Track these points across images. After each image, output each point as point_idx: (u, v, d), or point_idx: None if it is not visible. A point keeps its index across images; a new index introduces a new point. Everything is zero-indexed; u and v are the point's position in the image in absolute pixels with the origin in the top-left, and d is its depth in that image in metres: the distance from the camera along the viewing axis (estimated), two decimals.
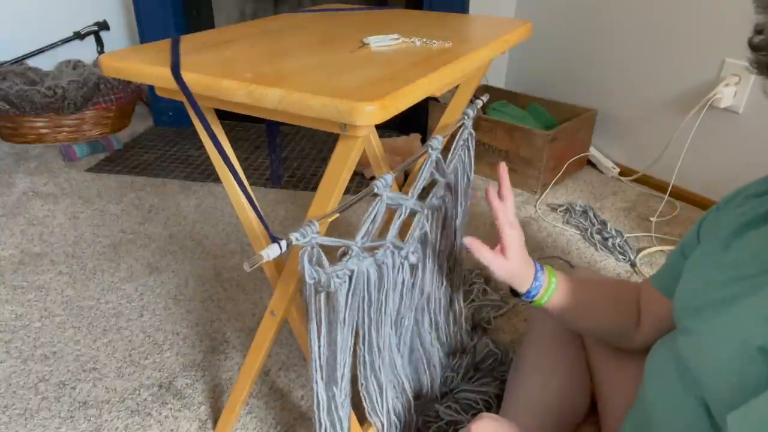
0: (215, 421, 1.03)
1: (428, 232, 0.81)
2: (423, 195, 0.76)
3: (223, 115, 0.82)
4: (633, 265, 1.48)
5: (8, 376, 1.13)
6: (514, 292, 0.80)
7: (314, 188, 1.87)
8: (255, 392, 1.09)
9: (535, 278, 0.77)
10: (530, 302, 0.79)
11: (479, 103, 0.90)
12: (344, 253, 0.64)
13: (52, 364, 1.16)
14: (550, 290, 0.78)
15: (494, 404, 1.01)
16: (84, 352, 1.19)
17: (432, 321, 0.95)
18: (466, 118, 0.86)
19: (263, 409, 1.06)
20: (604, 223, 1.64)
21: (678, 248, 0.70)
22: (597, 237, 1.57)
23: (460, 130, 0.86)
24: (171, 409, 1.06)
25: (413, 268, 0.80)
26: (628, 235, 1.61)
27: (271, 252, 0.57)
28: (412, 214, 0.76)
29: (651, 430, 0.61)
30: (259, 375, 1.13)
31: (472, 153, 0.89)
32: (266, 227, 0.66)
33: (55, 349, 1.20)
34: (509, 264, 0.75)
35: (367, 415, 0.81)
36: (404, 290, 0.78)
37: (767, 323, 0.48)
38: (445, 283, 0.96)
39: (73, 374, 1.13)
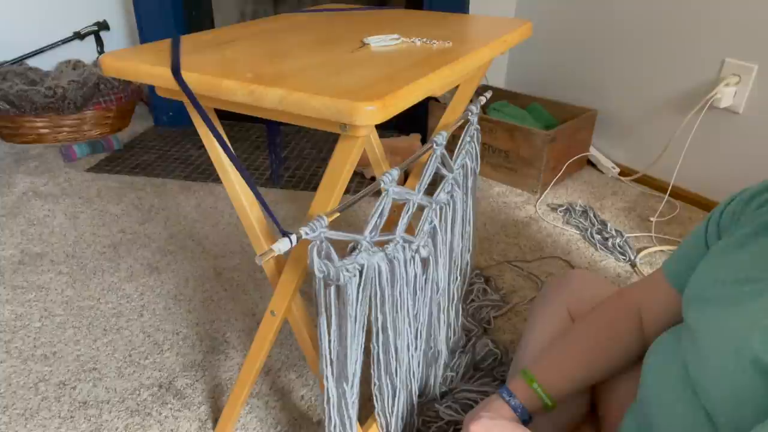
0: (215, 421, 1.03)
1: (437, 226, 0.81)
2: (429, 191, 0.76)
3: (223, 115, 0.82)
4: (633, 265, 1.48)
5: (8, 376, 1.13)
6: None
7: (314, 188, 1.87)
8: (255, 392, 1.09)
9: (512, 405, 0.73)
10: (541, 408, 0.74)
11: (482, 99, 0.90)
12: (353, 248, 0.64)
13: (52, 364, 1.16)
14: (541, 392, 0.74)
15: None
16: (84, 352, 1.19)
17: (446, 318, 0.95)
18: (470, 114, 0.86)
19: (263, 409, 1.06)
20: (604, 223, 1.64)
21: (697, 237, 0.67)
22: (597, 237, 1.57)
23: (467, 126, 0.86)
24: (171, 409, 1.06)
25: (425, 262, 0.80)
26: (628, 235, 1.61)
27: (282, 246, 0.56)
28: (420, 209, 0.76)
29: (651, 429, 0.61)
30: (259, 375, 1.13)
31: (479, 148, 0.89)
32: (276, 222, 0.65)
33: (55, 349, 1.20)
34: None
35: (376, 414, 0.81)
36: (417, 286, 0.78)
37: (762, 332, 0.47)
38: (459, 278, 0.96)
39: (73, 374, 1.13)
